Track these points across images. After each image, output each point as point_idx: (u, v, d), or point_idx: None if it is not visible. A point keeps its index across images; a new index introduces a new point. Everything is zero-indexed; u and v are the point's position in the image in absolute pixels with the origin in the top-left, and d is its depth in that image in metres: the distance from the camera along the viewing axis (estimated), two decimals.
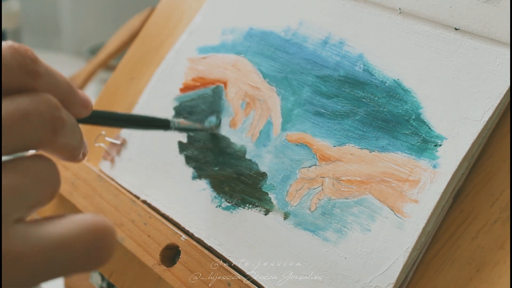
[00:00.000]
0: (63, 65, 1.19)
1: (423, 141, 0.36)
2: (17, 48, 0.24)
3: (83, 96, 0.28)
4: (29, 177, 0.23)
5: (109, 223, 0.25)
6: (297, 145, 0.41)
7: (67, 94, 0.26)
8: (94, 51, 0.92)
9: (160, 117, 0.41)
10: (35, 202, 0.23)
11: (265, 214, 0.40)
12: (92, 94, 0.92)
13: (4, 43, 0.24)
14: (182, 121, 0.42)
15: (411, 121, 0.37)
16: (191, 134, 0.45)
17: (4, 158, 0.22)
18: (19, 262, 0.21)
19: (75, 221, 0.24)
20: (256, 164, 0.42)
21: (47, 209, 0.51)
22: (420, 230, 0.34)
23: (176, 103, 0.47)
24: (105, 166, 0.48)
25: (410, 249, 0.34)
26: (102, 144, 0.49)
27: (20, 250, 0.22)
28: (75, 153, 0.27)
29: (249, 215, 0.41)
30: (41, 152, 0.25)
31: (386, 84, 0.39)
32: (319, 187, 0.39)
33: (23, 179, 0.22)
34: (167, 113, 0.47)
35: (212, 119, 0.44)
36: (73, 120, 0.26)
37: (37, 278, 0.22)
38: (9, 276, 0.21)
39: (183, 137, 0.46)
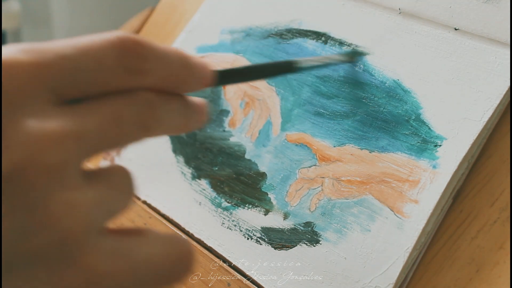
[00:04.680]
0: None
1: (423, 142, 0.36)
2: (123, 45, 0.23)
3: (201, 70, 0.26)
4: (115, 190, 0.23)
5: (189, 244, 0.25)
6: (296, 145, 0.41)
7: (180, 79, 0.25)
8: None
9: (282, 60, 0.38)
10: (116, 213, 0.23)
11: (265, 214, 0.40)
12: None
13: (111, 34, 0.23)
14: (305, 59, 0.38)
15: (411, 122, 0.37)
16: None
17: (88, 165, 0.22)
18: (108, 278, 0.21)
19: (160, 240, 0.24)
20: (256, 164, 0.42)
21: None
22: (420, 231, 0.34)
23: None
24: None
25: (410, 249, 0.34)
26: None
27: (110, 266, 0.21)
28: (183, 129, 0.27)
29: (249, 215, 0.41)
30: (119, 163, 0.25)
31: (386, 85, 0.39)
32: (319, 187, 0.39)
33: (110, 191, 0.22)
34: None
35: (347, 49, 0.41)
36: (179, 102, 0.26)
37: None
38: None
39: (183, 137, 0.46)
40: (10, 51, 0.21)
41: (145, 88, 0.24)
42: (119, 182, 0.23)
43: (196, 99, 0.27)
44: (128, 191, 0.24)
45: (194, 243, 0.41)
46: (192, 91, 0.26)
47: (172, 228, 0.42)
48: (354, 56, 0.41)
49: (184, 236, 0.25)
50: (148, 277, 0.23)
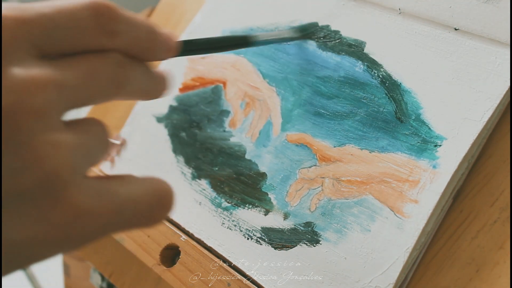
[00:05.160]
0: None
1: (423, 142, 0.36)
2: (97, 7, 0.24)
3: (166, 39, 0.28)
4: (94, 137, 0.24)
5: (168, 185, 0.27)
6: (297, 145, 0.41)
7: (146, 45, 0.27)
8: None
9: (237, 35, 0.40)
10: (95, 160, 0.25)
11: (265, 214, 0.40)
12: None
13: (86, 0, 0.25)
14: (262, 34, 0.41)
15: (411, 122, 0.37)
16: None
17: (65, 118, 0.24)
18: (92, 216, 0.23)
19: (140, 181, 0.26)
20: (256, 164, 0.42)
21: None
22: (420, 230, 0.34)
23: (175, 103, 0.47)
24: (105, 166, 0.48)
25: (410, 249, 0.34)
26: None
27: (94, 204, 0.23)
28: (147, 94, 0.29)
29: (249, 215, 0.41)
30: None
31: (386, 85, 0.39)
32: (319, 187, 0.39)
33: (89, 138, 0.24)
34: (166, 112, 0.47)
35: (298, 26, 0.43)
36: (144, 68, 0.27)
37: (105, 231, 0.24)
38: (82, 230, 0.23)
39: (183, 137, 0.46)
40: None
41: (117, 50, 0.25)
42: (96, 131, 0.25)
43: (159, 69, 0.29)
44: (104, 140, 0.25)
45: (194, 243, 0.41)
46: (158, 59, 0.28)
47: (172, 228, 0.42)
48: (305, 30, 0.43)
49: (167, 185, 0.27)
50: (131, 216, 0.24)
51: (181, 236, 0.41)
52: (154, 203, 0.26)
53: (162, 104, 0.48)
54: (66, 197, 0.22)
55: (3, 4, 0.24)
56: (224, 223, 0.41)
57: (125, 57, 0.26)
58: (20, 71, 0.22)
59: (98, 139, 0.25)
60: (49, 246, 0.22)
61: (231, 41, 0.38)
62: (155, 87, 0.29)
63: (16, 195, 0.21)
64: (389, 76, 0.39)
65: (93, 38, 0.25)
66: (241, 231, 0.40)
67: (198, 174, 0.44)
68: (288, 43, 0.44)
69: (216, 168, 0.43)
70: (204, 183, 0.43)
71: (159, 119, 0.48)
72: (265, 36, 0.41)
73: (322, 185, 0.39)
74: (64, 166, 0.22)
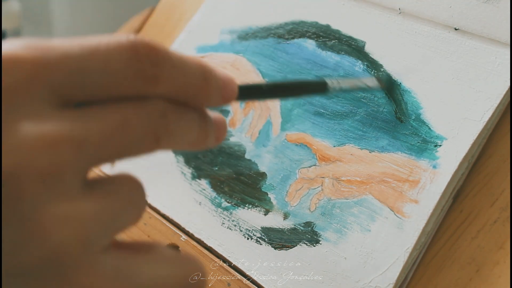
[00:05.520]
0: None
1: (423, 142, 0.36)
2: (136, 48, 0.21)
3: (224, 84, 0.24)
4: (119, 201, 0.21)
5: (201, 266, 0.23)
6: (296, 145, 0.41)
7: (198, 91, 0.23)
8: None
9: (314, 80, 0.35)
10: (122, 227, 0.21)
11: (265, 214, 0.40)
12: None
13: (122, 37, 0.21)
14: (341, 81, 0.34)
15: (411, 121, 0.37)
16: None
17: (95, 173, 0.21)
18: None
19: (167, 260, 0.22)
20: (256, 164, 0.42)
21: None
22: (420, 230, 0.34)
23: None
24: (105, 166, 0.48)
25: (410, 249, 0.34)
26: None
27: (109, 287, 0.20)
28: (196, 145, 0.25)
29: (249, 215, 0.41)
30: (128, 172, 0.23)
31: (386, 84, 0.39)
32: (319, 187, 0.39)
33: (113, 203, 0.21)
34: None
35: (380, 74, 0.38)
36: (195, 115, 0.24)
37: None
38: None
39: None
40: (13, 46, 0.20)
41: (159, 96, 0.22)
42: (127, 193, 0.21)
43: (215, 114, 0.26)
44: (137, 203, 0.22)
45: (194, 243, 0.41)
46: (212, 106, 0.24)
47: (172, 228, 0.42)
48: (387, 83, 0.38)
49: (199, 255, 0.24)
50: None
51: (181, 236, 0.41)
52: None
53: None
54: (75, 278, 0.19)
55: (19, 41, 0.20)
56: (224, 223, 0.41)
57: (170, 104, 0.22)
58: (31, 127, 0.19)
59: (128, 202, 0.21)
60: None
61: (306, 87, 0.32)
62: (206, 136, 0.24)
63: (17, 273, 0.19)
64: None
65: (130, 85, 0.21)
66: (241, 231, 0.40)
67: (198, 174, 0.44)
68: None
69: (216, 168, 0.43)
70: (204, 183, 0.43)
71: None
72: (343, 84, 0.34)
73: (322, 185, 0.39)
74: (74, 241, 0.19)
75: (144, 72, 0.21)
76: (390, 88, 0.38)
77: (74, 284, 0.19)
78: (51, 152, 0.19)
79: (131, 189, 0.22)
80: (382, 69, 0.39)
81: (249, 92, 0.28)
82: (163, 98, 0.22)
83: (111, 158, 0.21)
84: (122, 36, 0.21)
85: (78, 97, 0.20)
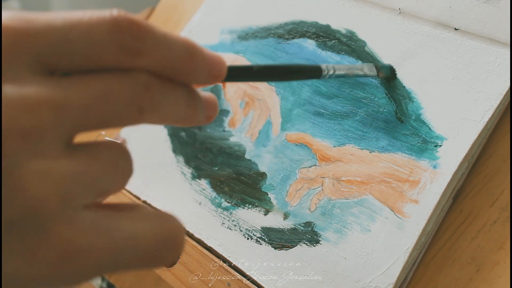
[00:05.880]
0: None
1: (423, 142, 0.36)
2: (118, 22, 0.21)
3: (210, 61, 0.24)
4: (102, 164, 0.22)
5: (180, 224, 0.24)
6: (296, 145, 0.41)
7: (183, 66, 0.23)
8: None
9: (308, 64, 0.34)
10: (105, 190, 0.22)
11: (265, 214, 0.40)
12: None
13: (107, 14, 0.21)
14: (337, 66, 0.34)
15: (411, 122, 0.37)
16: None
17: (80, 140, 0.22)
18: (85, 254, 0.20)
19: (150, 217, 0.23)
20: (256, 164, 0.42)
21: None
22: (420, 231, 0.34)
23: None
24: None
25: (410, 249, 0.34)
26: None
27: (89, 241, 0.20)
28: (184, 121, 0.25)
29: (249, 215, 0.41)
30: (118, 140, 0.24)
31: (386, 84, 0.39)
32: (319, 187, 0.39)
33: (95, 165, 0.21)
34: None
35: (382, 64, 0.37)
36: (182, 91, 0.24)
37: (99, 271, 0.21)
38: (73, 268, 0.20)
39: (183, 137, 0.46)
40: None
41: (143, 69, 0.22)
42: (110, 158, 0.22)
43: (206, 93, 0.26)
44: (121, 169, 0.22)
45: (194, 243, 0.41)
46: (200, 83, 0.25)
47: None
48: (386, 71, 0.38)
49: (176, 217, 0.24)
50: (130, 256, 0.22)
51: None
52: (160, 244, 0.23)
53: None
54: (53, 232, 0.20)
55: (6, 12, 0.21)
56: (224, 223, 0.41)
57: (154, 78, 0.23)
58: (12, 89, 0.20)
59: (111, 166, 0.22)
60: (37, 283, 0.20)
61: (299, 71, 0.31)
62: (194, 113, 0.25)
63: (4, 225, 0.19)
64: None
65: (112, 57, 0.22)
66: (241, 231, 0.40)
67: (198, 174, 0.44)
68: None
69: (216, 168, 0.43)
70: (204, 183, 0.43)
71: None
72: (338, 69, 0.34)
73: (322, 185, 0.39)
74: (53, 196, 0.20)
75: (126, 45, 0.21)
76: (390, 77, 0.38)
77: (54, 237, 0.20)
78: (32, 113, 0.19)
79: (116, 154, 0.22)
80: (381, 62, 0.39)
81: (239, 73, 0.28)
82: (147, 71, 0.22)
83: (94, 125, 0.21)
84: (106, 11, 0.22)
85: (61, 67, 0.21)
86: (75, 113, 0.21)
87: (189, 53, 0.24)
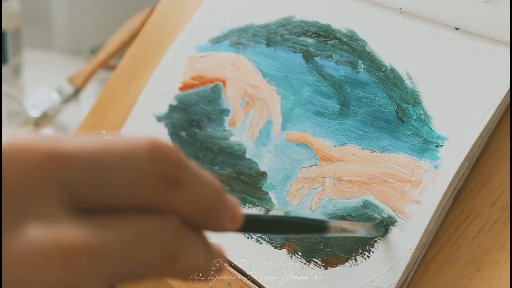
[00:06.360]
0: (61, 64, 1.19)
1: (424, 142, 0.36)
2: (158, 148, 0.19)
3: (233, 207, 0.22)
4: None
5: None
6: (297, 144, 0.41)
7: (212, 208, 0.21)
8: (94, 51, 0.92)
9: (313, 220, 0.34)
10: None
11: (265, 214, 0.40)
12: (92, 94, 0.92)
13: (143, 139, 0.19)
14: (343, 223, 0.34)
15: (412, 122, 0.37)
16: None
17: None
18: None
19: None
20: (256, 164, 0.42)
21: None
22: (422, 231, 0.34)
23: (175, 102, 0.47)
24: None
25: (412, 250, 0.34)
26: None
27: None
28: (200, 273, 0.22)
29: None
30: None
31: (387, 84, 0.39)
32: (319, 187, 0.39)
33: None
34: (166, 111, 0.47)
35: (379, 225, 0.36)
36: (202, 239, 0.22)
37: None
38: None
39: (183, 136, 0.46)
40: (23, 134, 0.17)
41: (175, 211, 0.20)
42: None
43: (214, 243, 0.23)
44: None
45: None
46: (218, 230, 0.22)
47: None
48: (380, 228, 0.36)
49: None
50: None
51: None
52: None
53: (162, 103, 0.48)
54: None
55: (32, 130, 0.18)
56: None
57: (183, 222, 0.20)
58: (41, 231, 0.16)
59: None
60: None
61: (306, 226, 0.31)
62: (209, 264, 0.22)
63: None
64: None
65: (151, 189, 0.19)
66: None
67: None
68: None
69: (217, 168, 0.43)
70: None
71: (159, 118, 0.48)
72: (341, 229, 0.33)
73: (323, 185, 0.39)
74: None
75: (166, 175, 0.19)
76: (384, 233, 0.36)
77: None
78: (67, 263, 0.16)
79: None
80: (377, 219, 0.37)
81: (252, 223, 0.26)
82: (178, 213, 0.20)
83: (122, 276, 0.19)
84: (141, 136, 0.19)
85: (94, 199, 0.18)
86: (109, 262, 0.18)
87: (220, 193, 0.21)
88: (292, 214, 0.39)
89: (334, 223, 0.32)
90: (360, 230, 0.35)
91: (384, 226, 0.36)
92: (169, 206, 0.19)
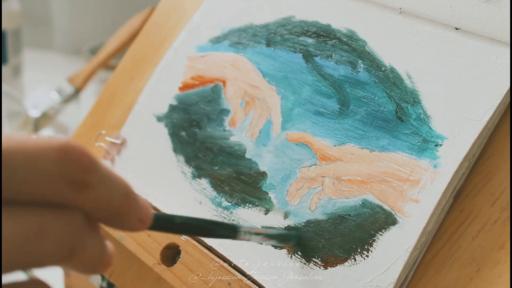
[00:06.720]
0: (62, 64, 1.19)
1: (424, 141, 0.36)
2: (67, 151, 0.20)
3: (141, 208, 0.24)
4: None
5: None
6: (297, 144, 0.41)
7: (117, 209, 0.22)
8: (94, 51, 0.92)
9: (225, 223, 0.36)
10: None
11: (265, 214, 0.40)
12: (92, 94, 0.92)
13: (55, 141, 0.20)
14: (256, 230, 0.36)
15: (411, 121, 0.37)
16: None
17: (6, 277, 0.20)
18: None
19: None
20: (256, 164, 0.42)
21: None
22: (420, 230, 0.34)
23: (175, 102, 0.47)
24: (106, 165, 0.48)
25: (410, 249, 0.34)
26: (102, 144, 0.49)
27: None
28: (95, 268, 0.24)
29: (249, 214, 0.41)
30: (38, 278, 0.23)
31: (387, 84, 0.39)
32: (319, 186, 0.39)
33: None
34: (166, 111, 0.47)
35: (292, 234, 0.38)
36: (100, 235, 0.23)
37: None
38: None
39: (183, 136, 0.46)
40: None
41: (79, 208, 0.21)
42: None
43: (108, 243, 0.25)
44: None
45: (194, 243, 0.41)
46: (125, 228, 0.24)
47: None
48: (296, 241, 0.38)
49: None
50: None
51: (182, 235, 0.41)
52: None
53: (162, 103, 0.48)
54: None
55: None
56: None
57: (87, 218, 0.22)
58: None
59: None
60: None
61: (216, 228, 0.33)
62: (103, 260, 0.24)
63: None
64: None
65: (55, 188, 0.20)
66: None
67: (198, 173, 0.44)
68: None
69: (216, 167, 0.43)
70: (204, 182, 0.43)
71: (159, 118, 0.48)
72: (252, 234, 0.35)
73: (322, 184, 0.39)
74: None
75: (72, 176, 0.20)
76: (297, 244, 0.38)
77: None
78: None
79: None
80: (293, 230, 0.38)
81: (161, 223, 0.28)
82: (82, 210, 0.22)
83: (21, 264, 0.20)
84: (54, 139, 0.21)
85: (8, 195, 0.20)
86: (11, 250, 0.19)
87: (128, 194, 0.23)
88: (291, 214, 0.39)
89: (244, 228, 0.34)
90: (272, 238, 0.37)
91: (297, 238, 0.37)
92: (74, 204, 0.21)
